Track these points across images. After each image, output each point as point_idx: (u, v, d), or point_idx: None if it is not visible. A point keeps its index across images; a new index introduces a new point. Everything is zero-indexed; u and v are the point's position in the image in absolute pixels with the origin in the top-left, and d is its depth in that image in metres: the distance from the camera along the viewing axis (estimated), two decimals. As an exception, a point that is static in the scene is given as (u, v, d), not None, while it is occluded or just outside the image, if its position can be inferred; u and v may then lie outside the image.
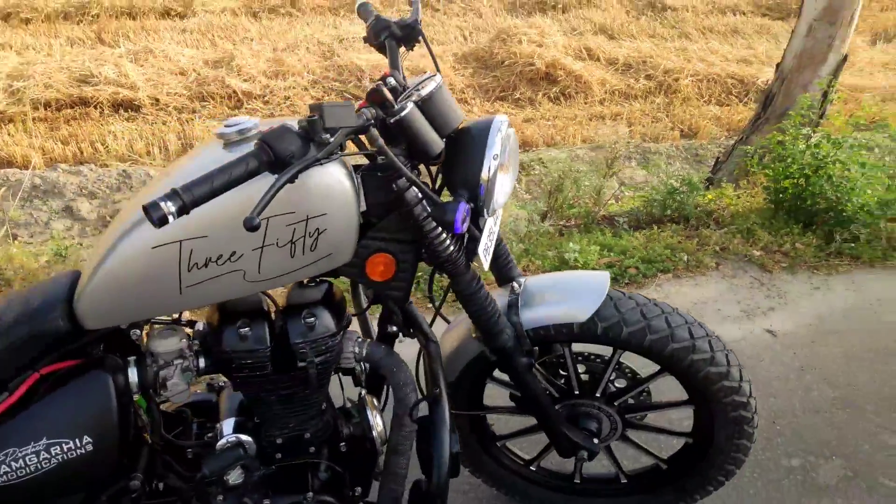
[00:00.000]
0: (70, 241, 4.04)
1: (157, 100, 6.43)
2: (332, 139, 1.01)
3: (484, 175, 1.24)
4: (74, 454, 1.18)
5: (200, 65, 7.07)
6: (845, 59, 4.18)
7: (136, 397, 1.28)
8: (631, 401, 1.63)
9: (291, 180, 0.98)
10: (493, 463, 1.81)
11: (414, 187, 1.21)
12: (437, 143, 1.23)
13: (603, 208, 3.63)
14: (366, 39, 1.51)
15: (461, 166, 1.26)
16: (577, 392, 1.60)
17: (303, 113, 6.66)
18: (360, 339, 1.36)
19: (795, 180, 3.37)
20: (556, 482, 1.83)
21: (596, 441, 1.60)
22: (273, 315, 1.31)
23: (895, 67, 8.01)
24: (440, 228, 1.27)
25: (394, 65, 1.40)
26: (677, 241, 3.22)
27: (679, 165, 5.21)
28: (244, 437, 1.34)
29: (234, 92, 6.67)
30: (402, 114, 1.17)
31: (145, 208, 0.88)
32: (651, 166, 4.42)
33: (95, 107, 6.21)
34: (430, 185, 1.38)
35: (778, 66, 4.36)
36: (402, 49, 1.46)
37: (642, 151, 5.75)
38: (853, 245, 3.20)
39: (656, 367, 1.55)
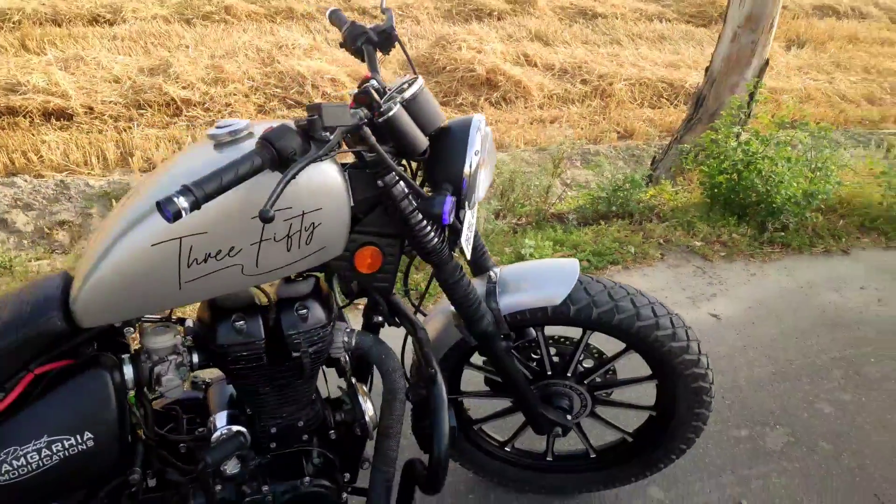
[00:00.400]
0: (7, 254, 3.90)
1: (91, 108, 6.23)
2: (331, 137, 1.08)
3: (466, 170, 1.32)
4: (76, 450, 1.20)
5: (135, 72, 6.89)
6: (767, 62, 4.50)
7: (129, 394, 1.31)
8: (598, 379, 1.75)
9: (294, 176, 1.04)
10: (470, 446, 1.89)
11: (401, 182, 1.29)
12: (423, 141, 1.30)
13: (552, 206, 3.78)
14: (342, 44, 1.57)
15: (444, 162, 1.34)
16: (549, 373, 1.71)
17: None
18: (349, 330, 1.42)
19: (729, 176, 3.61)
20: (530, 461, 1.93)
21: (569, 417, 1.71)
22: (265, 309, 1.35)
23: (808, 71, 8.59)
24: (425, 221, 1.34)
25: (373, 68, 1.47)
26: (624, 235, 3.40)
27: (619, 165, 5.44)
28: (238, 429, 1.37)
29: (173, 99, 6.53)
30: (390, 114, 1.25)
31: (159, 204, 0.92)
32: (594, 166, 4.62)
33: (25, 116, 5.97)
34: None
35: (707, 69, 4.64)
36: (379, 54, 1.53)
37: (583, 153, 5.97)
38: (783, 234, 3.46)
39: (621, 348, 1.68)
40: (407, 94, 1.30)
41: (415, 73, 1.47)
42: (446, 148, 1.34)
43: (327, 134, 1.07)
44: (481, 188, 1.39)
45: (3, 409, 1.17)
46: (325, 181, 1.20)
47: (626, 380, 1.76)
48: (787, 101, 4.55)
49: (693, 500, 1.98)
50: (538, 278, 1.57)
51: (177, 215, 0.92)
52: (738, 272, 3.22)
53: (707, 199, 3.83)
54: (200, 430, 1.46)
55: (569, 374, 1.70)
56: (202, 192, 0.95)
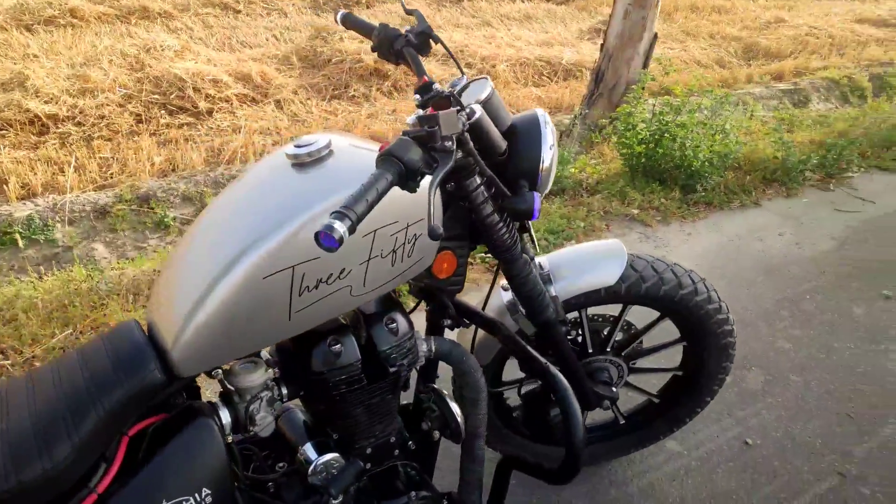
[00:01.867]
0: None
1: (-60, 135, 5.48)
2: (453, 146, 1.07)
3: (542, 165, 1.35)
4: (197, 510, 1.11)
5: (-17, 89, 6.14)
6: (656, 36, 4.83)
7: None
8: (630, 350, 1.85)
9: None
10: (512, 433, 1.93)
11: (483, 186, 1.29)
12: (502, 141, 1.31)
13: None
14: (374, 48, 1.53)
15: (517, 159, 1.36)
16: (590, 350, 1.78)
17: (125, 131, 5.99)
18: (425, 337, 1.41)
19: (647, 145, 3.87)
20: (565, 438, 2.01)
21: (614, 389, 1.79)
22: (351, 328, 1.31)
23: (665, 40, 9.29)
24: (500, 221, 1.36)
25: (421, 71, 1.44)
26: (567, 211, 3.55)
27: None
28: (333, 455, 1.32)
29: (37, 116, 5.89)
30: (476, 117, 1.24)
31: (318, 234, 0.87)
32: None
33: None
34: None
35: (602, 45, 4.91)
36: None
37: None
38: (703, 194, 3.78)
39: (650, 319, 1.79)
40: (483, 96, 1.30)
41: (461, 72, 1.46)
42: (518, 145, 1.36)
43: (448, 143, 1.06)
44: (549, 181, 1.42)
45: (112, 480, 1.06)
46: (423, 190, 1.18)
47: (657, 346, 1.88)
48: (697, 73, 4.93)
49: (707, 447, 2.16)
50: (589, 262, 1.64)
51: (340, 241, 0.87)
52: (676, 233, 3.48)
53: (626, 168, 4.08)
54: (280, 465, 1.40)
55: (608, 349, 1.79)
56: (355, 214, 0.91)
